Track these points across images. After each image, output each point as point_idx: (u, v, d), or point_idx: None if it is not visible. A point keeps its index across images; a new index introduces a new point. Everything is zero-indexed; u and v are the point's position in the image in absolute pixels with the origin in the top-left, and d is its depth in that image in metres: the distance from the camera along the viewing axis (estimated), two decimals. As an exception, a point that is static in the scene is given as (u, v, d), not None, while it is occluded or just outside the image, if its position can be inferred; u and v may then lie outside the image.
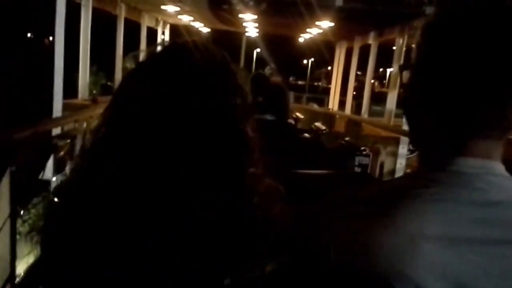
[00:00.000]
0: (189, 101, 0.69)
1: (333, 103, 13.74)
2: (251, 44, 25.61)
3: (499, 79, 0.70)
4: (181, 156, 0.68)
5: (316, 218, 0.81)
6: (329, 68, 34.92)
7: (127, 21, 10.69)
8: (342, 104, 13.43)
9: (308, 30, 11.46)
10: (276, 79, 3.80)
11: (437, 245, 0.68)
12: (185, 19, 12.08)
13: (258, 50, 30.08)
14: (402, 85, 0.83)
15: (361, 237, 0.71)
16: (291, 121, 3.92)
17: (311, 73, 35.33)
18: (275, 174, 0.81)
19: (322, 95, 25.59)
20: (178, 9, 10.09)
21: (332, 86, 14.29)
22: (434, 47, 0.75)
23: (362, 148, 3.58)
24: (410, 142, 1.14)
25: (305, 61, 35.48)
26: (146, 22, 11.89)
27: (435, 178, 0.74)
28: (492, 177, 0.74)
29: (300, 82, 35.36)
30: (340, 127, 9.50)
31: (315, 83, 36.27)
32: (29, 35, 33.71)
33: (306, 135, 3.56)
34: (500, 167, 0.76)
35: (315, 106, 14.05)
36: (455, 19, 0.74)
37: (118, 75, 10.10)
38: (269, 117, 3.39)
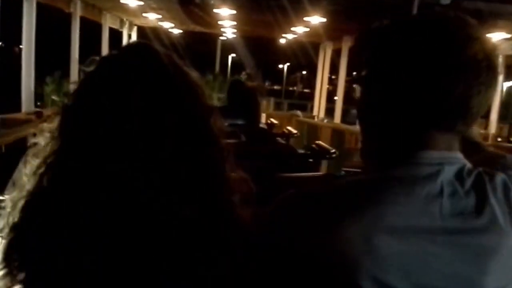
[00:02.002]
0: (163, 109, 0.73)
1: (318, 110, 12.64)
2: (226, 48, 24.58)
3: (458, 75, 0.74)
4: (157, 160, 0.71)
5: (277, 215, 0.82)
6: (304, 72, 34.40)
7: (88, 22, 9.38)
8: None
9: (292, 29, 10.30)
10: (251, 83, 3.93)
11: (392, 237, 0.71)
12: (152, 17, 10.74)
13: (234, 55, 28.91)
14: (355, 94, 0.86)
15: (320, 231, 0.74)
16: (263, 125, 3.95)
17: (287, 78, 34.37)
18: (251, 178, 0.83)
19: (300, 101, 24.64)
20: (141, 3, 8.69)
21: (317, 91, 13.17)
22: (391, 52, 0.79)
23: (333, 151, 3.59)
24: (361, 150, 0.85)
25: (280, 66, 34.42)
26: (108, 23, 10.55)
27: (391, 173, 0.77)
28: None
29: (276, 87, 34.37)
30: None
31: (290, 88, 35.40)
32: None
33: (279, 139, 3.57)
34: (459, 156, 0.79)
35: (298, 113, 12.72)
36: (411, 25, 0.80)
37: (73, 81, 8.82)
38: (240, 121, 3.43)
